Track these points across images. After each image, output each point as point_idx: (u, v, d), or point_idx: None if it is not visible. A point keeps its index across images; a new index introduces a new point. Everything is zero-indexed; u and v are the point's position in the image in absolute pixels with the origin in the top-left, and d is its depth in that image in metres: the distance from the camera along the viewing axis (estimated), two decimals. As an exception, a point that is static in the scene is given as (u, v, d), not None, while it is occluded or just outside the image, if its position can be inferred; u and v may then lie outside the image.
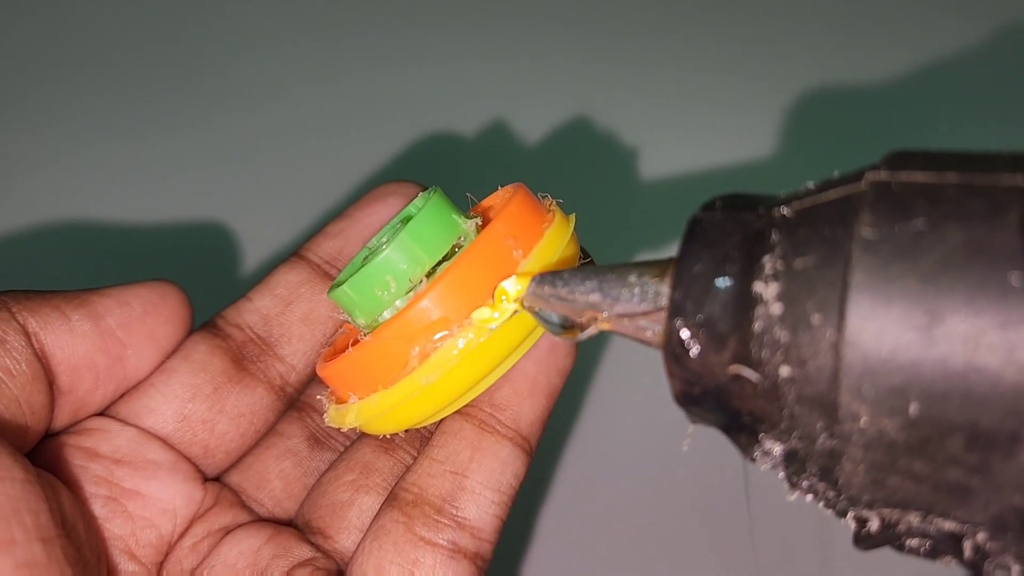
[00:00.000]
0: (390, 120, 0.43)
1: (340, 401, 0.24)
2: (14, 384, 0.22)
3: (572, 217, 0.24)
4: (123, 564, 0.23)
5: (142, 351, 0.25)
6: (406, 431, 0.26)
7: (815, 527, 0.35)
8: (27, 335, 0.22)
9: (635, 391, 0.37)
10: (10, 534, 0.19)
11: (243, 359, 0.26)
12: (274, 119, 0.43)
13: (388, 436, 0.26)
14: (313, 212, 0.40)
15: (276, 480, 0.27)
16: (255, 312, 0.27)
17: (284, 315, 0.27)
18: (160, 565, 0.24)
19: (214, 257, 0.40)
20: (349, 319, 0.24)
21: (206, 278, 0.38)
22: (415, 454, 0.26)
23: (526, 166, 0.42)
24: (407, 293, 0.23)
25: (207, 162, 0.42)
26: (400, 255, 0.23)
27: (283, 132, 0.43)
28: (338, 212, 0.28)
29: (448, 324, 0.21)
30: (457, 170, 0.42)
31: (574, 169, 0.42)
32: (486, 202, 0.26)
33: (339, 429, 0.28)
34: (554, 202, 0.24)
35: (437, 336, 0.22)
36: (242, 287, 0.27)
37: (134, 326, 0.24)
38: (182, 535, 0.25)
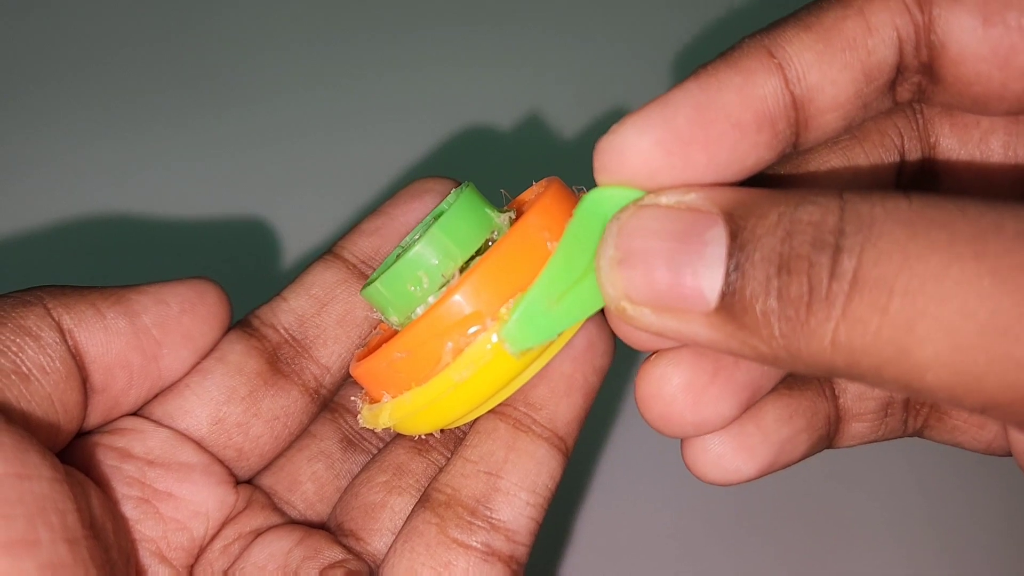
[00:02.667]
0: (427, 116, 0.43)
1: (373, 401, 0.23)
2: (47, 381, 0.21)
3: None
4: (153, 566, 0.23)
5: (178, 351, 0.24)
6: (441, 432, 0.25)
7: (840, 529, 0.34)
8: (62, 332, 0.22)
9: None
10: (35, 534, 0.18)
11: (278, 361, 0.26)
12: (310, 115, 0.44)
13: (422, 437, 0.26)
14: (349, 208, 0.40)
15: (308, 482, 0.26)
16: (290, 312, 0.26)
17: (320, 316, 0.26)
18: (191, 568, 0.24)
19: (248, 252, 0.40)
20: (383, 318, 0.24)
21: (241, 273, 0.38)
22: (449, 456, 0.25)
23: (563, 162, 0.42)
24: (440, 289, 0.22)
25: (242, 158, 0.42)
26: (431, 250, 0.22)
27: (319, 128, 0.43)
28: (375, 208, 0.28)
29: (481, 318, 0.21)
30: (494, 166, 0.42)
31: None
32: (521, 197, 0.25)
33: (373, 431, 0.27)
34: None
35: (470, 331, 0.21)
36: (276, 282, 0.27)
37: (170, 325, 0.24)
38: (213, 538, 0.24)
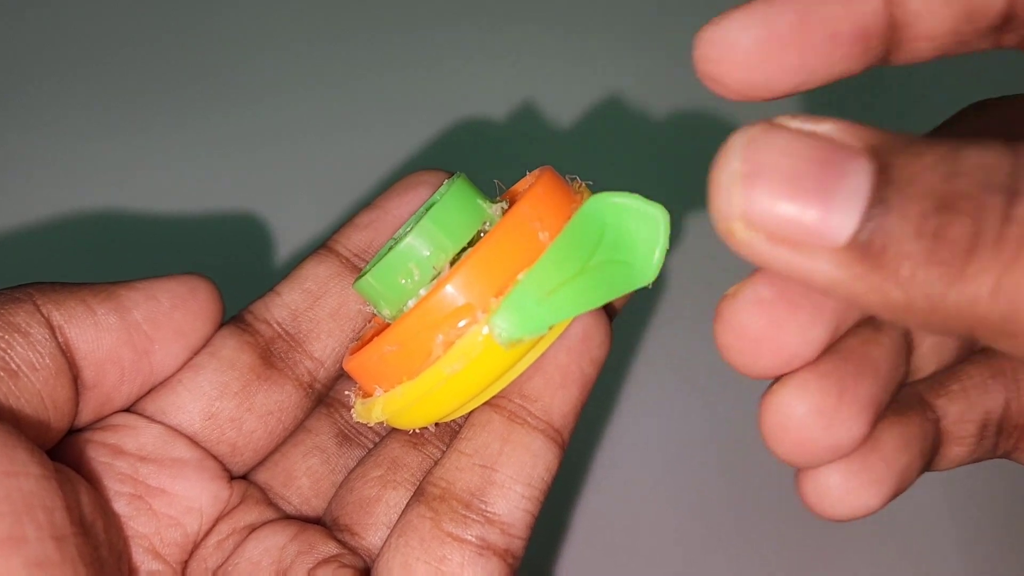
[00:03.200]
0: (421, 109, 0.43)
1: (366, 395, 0.23)
2: (37, 378, 0.21)
3: None
4: (147, 563, 0.23)
5: (169, 346, 0.24)
6: (436, 425, 0.25)
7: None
8: (51, 328, 0.22)
9: (672, 383, 0.36)
10: (22, 531, 0.18)
11: (271, 355, 0.26)
12: (303, 110, 0.43)
13: (418, 431, 0.25)
14: (343, 202, 0.40)
15: (304, 478, 0.26)
16: (284, 307, 0.26)
17: (313, 310, 0.26)
18: (184, 564, 0.24)
19: (242, 248, 0.40)
20: (376, 311, 0.24)
21: (235, 269, 0.38)
22: (445, 449, 0.25)
23: (559, 152, 0.42)
24: (431, 281, 0.22)
25: (235, 154, 0.42)
26: (422, 241, 0.22)
27: (312, 123, 0.43)
28: (368, 202, 0.28)
29: (472, 311, 0.21)
30: (489, 158, 0.42)
31: (606, 154, 0.42)
32: (515, 188, 0.25)
33: (368, 425, 0.27)
34: (584, 184, 0.23)
35: (461, 323, 0.21)
36: (270, 278, 0.27)
37: (161, 320, 0.24)
38: (207, 533, 0.24)
